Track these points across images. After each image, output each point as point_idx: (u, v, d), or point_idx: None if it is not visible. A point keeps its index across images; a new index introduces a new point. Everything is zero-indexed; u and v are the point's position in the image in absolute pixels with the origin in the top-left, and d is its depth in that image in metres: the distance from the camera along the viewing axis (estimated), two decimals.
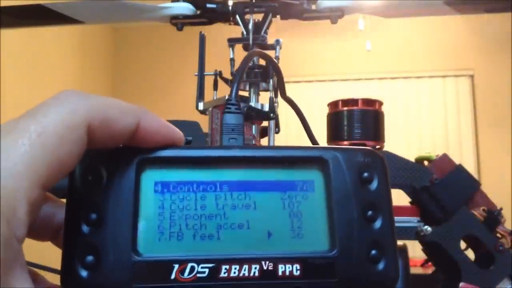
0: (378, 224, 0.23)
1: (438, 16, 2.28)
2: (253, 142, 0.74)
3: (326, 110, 0.82)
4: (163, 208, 0.22)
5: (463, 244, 0.74)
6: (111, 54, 3.31)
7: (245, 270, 0.21)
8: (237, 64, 0.82)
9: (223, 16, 0.87)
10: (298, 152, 0.24)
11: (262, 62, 0.81)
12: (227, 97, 0.26)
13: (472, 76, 3.03)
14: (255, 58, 0.80)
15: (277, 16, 0.87)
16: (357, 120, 0.77)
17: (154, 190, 0.22)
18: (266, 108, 0.75)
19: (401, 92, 3.03)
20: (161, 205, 0.22)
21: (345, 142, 0.77)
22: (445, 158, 0.78)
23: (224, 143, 0.25)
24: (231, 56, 0.84)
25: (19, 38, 2.12)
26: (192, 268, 0.21)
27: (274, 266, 0.21)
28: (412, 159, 0.78)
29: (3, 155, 0.17)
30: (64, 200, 0.22)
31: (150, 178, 0.22)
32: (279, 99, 0.73)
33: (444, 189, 0.74)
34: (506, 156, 2.79)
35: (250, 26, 0.83)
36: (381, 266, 0.22)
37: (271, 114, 0.74)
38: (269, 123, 0.78)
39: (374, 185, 0.23)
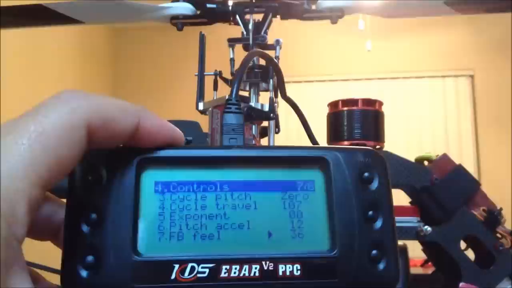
0: (378, 224, 0.23)
1: (438, 16, 2.28)
2: (253, 142, 0.74)
3: (326, 110, 0.81)
4: (163, 208, 0.22)
5: (463, 244, 0.74)
6: (111, 54, 3.30)
7: (245, 270, 0.21)
8: (237, 64, 0.82)
9: (223, 16, 0.87)
10: (298, 152, 0.24)
11: (262, 62, 0.81)
12: (227, 97, 0.26)
13: (472, 76, 3.03)
14: (255, 58, 0.80)
15: (277, 16, 0.87)
16: (357, 120, 0.77)
17: (154, 190, 0.22)
18: (266, 108, 0.75)
19: (401, 92, 3.03)
20: (161, 205, 0.22)
21: (345, 142, 0.77)
22: (445, 158, 0.78)
23: (224, 143, 0.25)
24: (231, 56, 0.84)
25: (19, 38, 2.12)
26: (193, 268, 0.21)
27: (274, 266, 0.21)
28: (412, 159, 0.78)
29: (3, 155, 0.17)
30: (64, 200, 0.22)
31: (150, 178, 0.22)
32: (279, 99, 0.73)
33: (444, 189, 0.74)
34: (506, 156, 2.79)
35: (250, 26, 0.83)
36: (381, 266, 0.22)
37: (271, 114, 0.74)
38: (269, 123, 0.78)
39: (374, 185, 0.23)
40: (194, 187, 0.22)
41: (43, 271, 0.57)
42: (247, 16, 0.85)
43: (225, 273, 0.21)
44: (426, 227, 0.71)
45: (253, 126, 0.77)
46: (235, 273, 0.21)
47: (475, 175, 1.13)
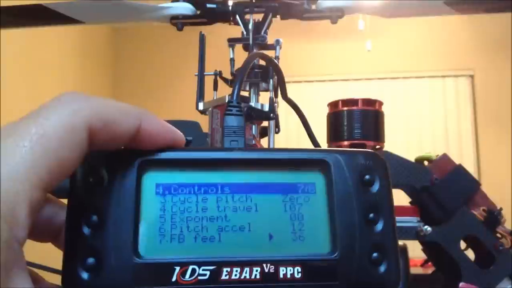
0: (379, 227, 0.23)
1: (438, 16, 2.28)
2: (253, 142, 0.74)
3: (326, 110, 0.82)
4: (164, 210, 0.22)
5: (463, 244, 0.74)
6: (111, 54, 3.30)
7: (246, 272, 0.21)
8: (237, 64, 0.82)
9: (223, 16, 0.87)
10: (299, 155, 0.24)
11: (263, 62, 0.81)
12: (228, 99, 0.26)
13: (472, 76, 3.03)
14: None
15: (277, 16, 0.87)
16: (357, 120, 0.77)
17: (155, 192, 0.22)
18: (266, 108, 0.75)
19: (401, 92, 3.04)
20: (162, 207, 0.22)
21: (345, 142, 0.77)
22: (445, 158, 0.78)
23: (225, 145, 0.25)
24: (231, 56, 0.84)
25: (19, 38, 2.11)
26: (193, 271, 0.21)
27: (275, 269, 0.21)
28: (412, 159, 0.78)
29: (4, 157, 0.17)
30: (65, 201, 0.22)
31: (151, 180, 0.22)
32: (279, 99, 0.73)
33: (444, 189, 0.74)
34: (506, 156, 2.79)
35: (250, 26, 0.83)
36: (382, 269, 0.22)
37: (271, 114, 0.74)
38: (269, 123, 0.78)
39: (375, 187, 0.23)
40: (195, 189, 0.22)
41: (43, 271, 0.57)
42: (247, 16, 0.85)
43: (226, 275, 0.21)
44: (426, 227, 0.71)
45: (253, 126, 0.77)
46: (236, 275, 0.21)
47: (475, 175, 1.13)
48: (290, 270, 0.22)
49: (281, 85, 0.46)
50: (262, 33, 0.83)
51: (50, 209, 0.22)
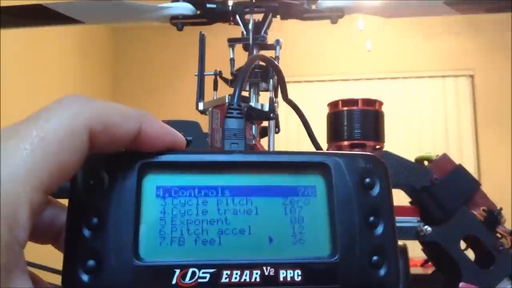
0: (379, 230, 0.23)
1: (438, 16, 2.28)
2: (253, 142, 0.74)
3: (326, 110, 0.82)
4: (164, 213, 0.22)
5: (463, 244, 0.74)
6: (111, 54, 3.30)
7: (246, 275, 0.21)
8: (237, 64, 0.82)
9: (223, 16, 0.87)
10: (299, 158, 0.24)
11: (263, 62, 0.81)
12: (228, 101, 0.26)
13: (472, 76, 3.03)
14: None
15: (277, 16, 0.87)
16: (357, 120, 0.77)
17: (155, 195, 0.22)
18: (266, 108, 0.75)
19: (401, 92, 3.03)
20: (163, 209, 0.22)
21: (345, 142, 0.77)
22: (445, 158, 0.78)
23: (226, 148, 0.25)
24: (231, 56, 0.84)
25: (19, 38, 2.11)
26: (193, 273, 0.21)
27: (275, 272, 0.21)
28: (412, 159, 0.78)
29: (4, 160, 0.18)
30: (66, 202, 0.22)
31: (152, 182, 0.22)
32: (279, 99, 0.73)
33: (444, 189, 0.74)
34: (506, 156, 2.79)
35: (250, 26, 0.83)
36: (382, 272, 0.22)
37: (271, 114, 0.74)
38: (269, 123, 0.78)
39: (376, 190, 0.23)
40: (195, 192, 0.22)
41: (42, 271, 0.57)
42: (247, 16, 0.85)
43: (226, 278, 0.21)
44: (426, 227, 0.71)
45: (253, 126, 0.77)
46: (236, 278, 0.21)
47: (475, 175, 1.13)
48: (290, 273, 0.22)
49: (281, 86, 0.46)
50: (262, 33, 0.83)
51: (50, 211, 0.23)
